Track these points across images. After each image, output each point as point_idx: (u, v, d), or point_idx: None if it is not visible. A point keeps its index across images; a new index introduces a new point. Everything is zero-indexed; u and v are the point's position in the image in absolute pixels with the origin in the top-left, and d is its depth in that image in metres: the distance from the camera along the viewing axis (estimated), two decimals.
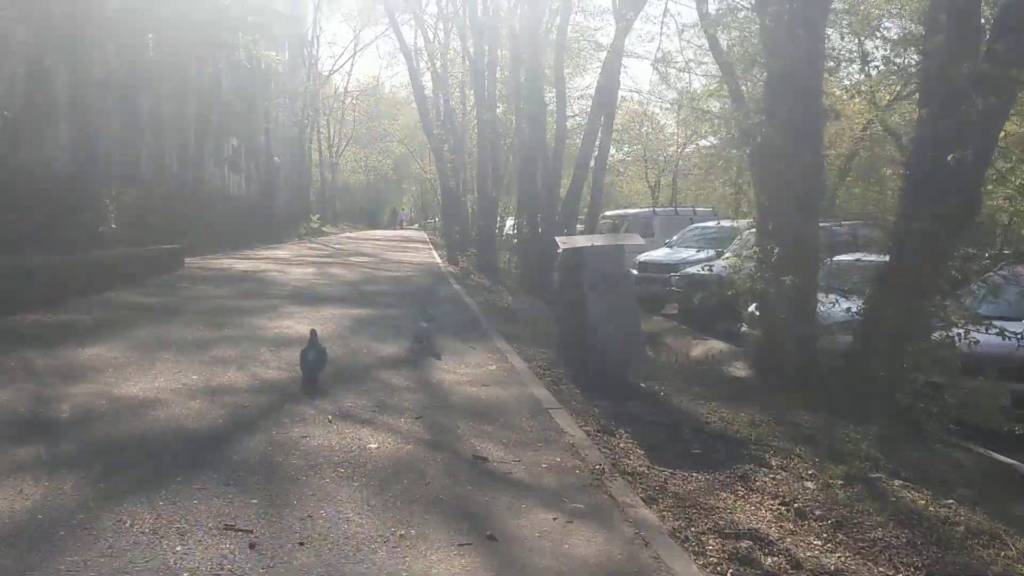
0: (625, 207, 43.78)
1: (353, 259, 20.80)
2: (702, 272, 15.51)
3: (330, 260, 19.95)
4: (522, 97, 21.19)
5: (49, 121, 14.57)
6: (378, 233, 51.03)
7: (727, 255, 16.65)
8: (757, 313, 9.71)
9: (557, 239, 7.70)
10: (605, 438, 5.73)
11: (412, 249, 29.58)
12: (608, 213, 25.53)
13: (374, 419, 5.52)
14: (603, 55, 26.64)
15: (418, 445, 5.02)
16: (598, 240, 7.42)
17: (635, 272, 14.69)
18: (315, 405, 5.78)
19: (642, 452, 5.60)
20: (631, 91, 49.89)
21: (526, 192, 20.52)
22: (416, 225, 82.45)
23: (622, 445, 5.67)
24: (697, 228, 21.47)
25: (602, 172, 21.06)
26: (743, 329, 11.48)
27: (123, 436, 4.78)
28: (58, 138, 14.86)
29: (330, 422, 5.36)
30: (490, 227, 23.10)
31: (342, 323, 9.46)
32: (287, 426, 5.22)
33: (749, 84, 11.51)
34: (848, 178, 18.71)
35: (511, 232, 28.13)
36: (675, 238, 21.37)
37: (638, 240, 7.71)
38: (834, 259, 9.59)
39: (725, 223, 22.00)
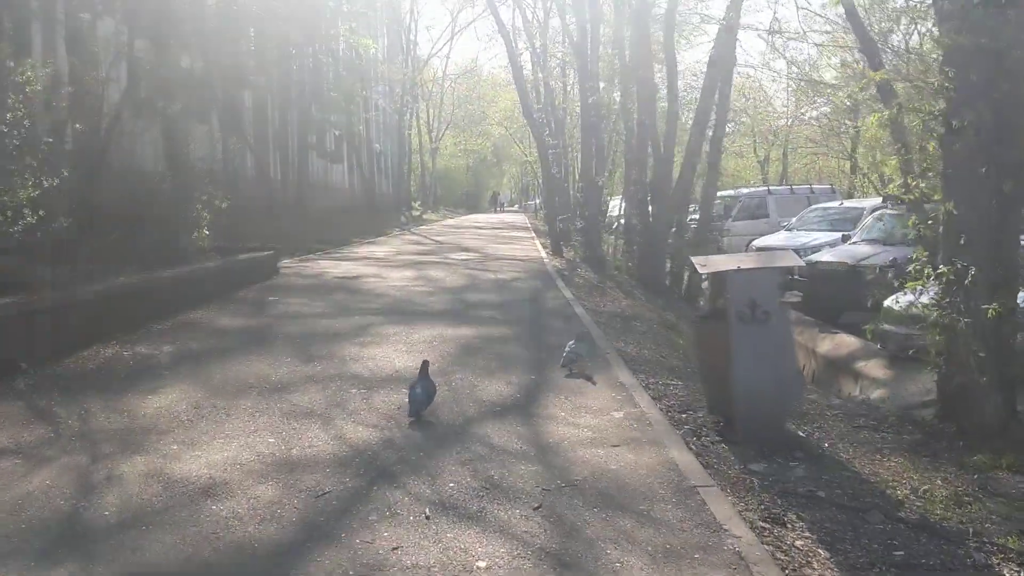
0: (733, 183, 41.73)
1: (453, 256, 19.84)
2: (831, 262, 14.07)
3: (429, 258, 19.05)
4: (628, 76, 19.79)
5: (142, 120, 14.08)
6: (479, 218, 50.32)
7: (853, 240, 15.08)
8: (896, 308, 8.28)
9: (694, 260, 6.42)
10: (776, 533, 4.45)
11: (514, 239, 28.49)
12: (719, 193, 24.07)
13: (482, 512, 4.40)
14: (710, 28, 24.92)
15: (539, 562, 3.86)
16: (745, 262, 6.06)
17: None
18: (409, 489, 4.69)
19: (826, 555, 4.30)
20: (745, 66, 47.46)
21: (634, 178, 19.18)
22: (516, 207, 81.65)
23: (799, 544, 4.39)
24: (818, 209, 19.94)
25: (717, 153, 19.59)
26: (883, 327, 10.15)
27: (169, 554, 3.79)
28: (150, 139, 14.38)
29: (428, 519, 4.27)
30: (594, 216, 21.80)
31: (441, 350, 8.41)
32: (375, 527, 4.15)
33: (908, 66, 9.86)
34: None
35: (614, 214, 26.74)
36: (794, 220, 19.86)
37: (795, 260, 6.29)
38: None
39: (848, 203, 20.31)
